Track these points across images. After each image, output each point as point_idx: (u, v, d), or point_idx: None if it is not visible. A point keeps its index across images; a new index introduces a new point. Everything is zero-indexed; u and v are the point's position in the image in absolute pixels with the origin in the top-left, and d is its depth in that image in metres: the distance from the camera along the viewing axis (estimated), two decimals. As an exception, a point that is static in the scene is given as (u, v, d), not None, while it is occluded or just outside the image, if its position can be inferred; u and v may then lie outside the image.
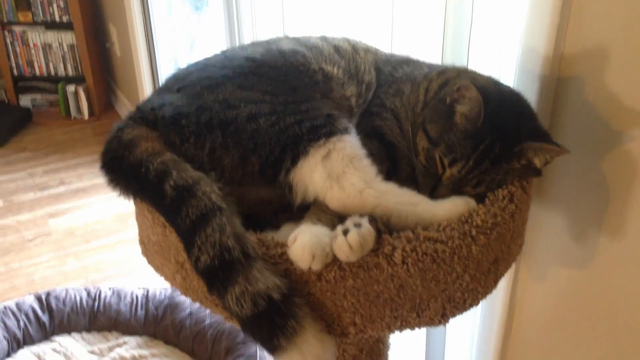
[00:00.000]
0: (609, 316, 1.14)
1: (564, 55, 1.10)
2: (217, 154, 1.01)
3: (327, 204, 0.98)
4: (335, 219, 0.96)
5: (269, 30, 2.29)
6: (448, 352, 1.79)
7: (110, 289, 2.29)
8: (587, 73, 1.08)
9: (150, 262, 1.12)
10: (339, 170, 0.97)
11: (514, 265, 1.29)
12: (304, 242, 0.87)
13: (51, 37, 4.09)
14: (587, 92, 1.08)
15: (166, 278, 1.08)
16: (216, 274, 0.89)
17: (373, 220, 0.91)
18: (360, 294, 0.91)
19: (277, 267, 0.90)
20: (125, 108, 4.04)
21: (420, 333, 1.78)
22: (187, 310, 2.19)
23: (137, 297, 2.26)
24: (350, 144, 1.00)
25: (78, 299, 2.24)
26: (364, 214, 0.92)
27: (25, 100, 4.25)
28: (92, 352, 2.12)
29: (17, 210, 3.20)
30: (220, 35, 2.52)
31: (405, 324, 0.95)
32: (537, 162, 1.00)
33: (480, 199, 0.99)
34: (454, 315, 0.97)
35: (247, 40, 2.35)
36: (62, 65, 4.17)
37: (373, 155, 1.03)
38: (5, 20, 4.02)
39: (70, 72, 4.18)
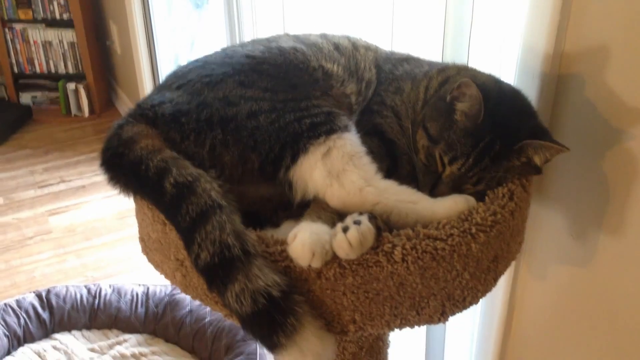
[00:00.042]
0: (608, 314, 1.14)
1: (564, 53, 1.10)
2: (217, 151, 1.01)
3: (327, 201, 0.98)
4: (335, 216, 0.96)
5: (270, 28, 2.28)
6: (448, 350, 1.79)
7: (110, 286, 2.29)
8: (587, 71, 1.08)
9: (150, 259, 1.12)
10: (339, 168, 0.97)
11: (513, 264, 1.29)
12: (303, 240, 0.87)
13: (52, 34, 4.09)
14: (588, 90, 1.08)
15: (166, 276, 1.08)
16: (216, 272, 0.89)
17: (373, 218, 0.91)
18: (360, 291, 0.91)
19: (276, 264, 0.90)
20: (125, 106, 4.04)
21: (420, 331, 1.78)
22: (187, 308, 2.19)
23: (137, 295, 2.26)
24: (350, 141, 1.00)
25: (78, 296, 2.25)
26: (364, 212, 0.92)
27: (26, 98, 4.25)
28: (93, 350, 2.12)
29: (18, 207, 3.20)
30: (220, 33, 2.52)
31: (404, 321, 0.95)
32: (537, 160, 1.00)
33: (480, 196, 0.99)
34: (453, 313, 0.97)
35: (247, 38, 2.35)
36: (62, 63, 4.17)
37: (373, 153, 1.03)
38: (5, 17, 4.02)
39: (71, 70, 4.18)
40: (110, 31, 4.04)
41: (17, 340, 2.13)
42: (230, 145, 1.00)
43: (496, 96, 1.02)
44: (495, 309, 1.40)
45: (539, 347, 1.36)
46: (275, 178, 1.00)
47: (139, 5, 3.26)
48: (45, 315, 2.19)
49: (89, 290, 2.27)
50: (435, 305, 0.95)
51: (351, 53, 1.19)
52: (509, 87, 1.10)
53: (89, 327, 2.23)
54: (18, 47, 4.12)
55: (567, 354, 1.27)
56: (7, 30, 4.07)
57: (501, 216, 0.95)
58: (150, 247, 1.09)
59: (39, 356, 2.08)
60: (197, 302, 2.14)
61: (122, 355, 2.09)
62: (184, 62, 1.19)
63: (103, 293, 2.26)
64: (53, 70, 4.20)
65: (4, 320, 2.12)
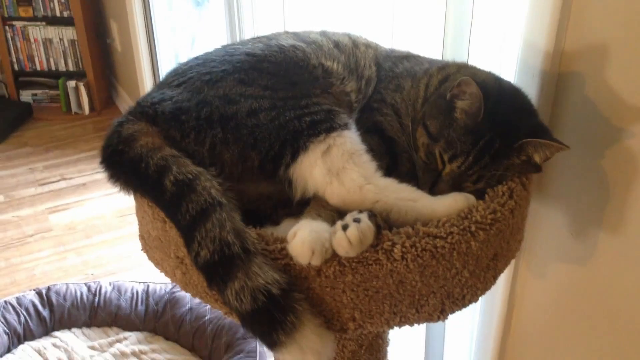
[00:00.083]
0: (608, 313, 1.14)
1: (564, 51, 1.10)
2: (217, 149, 1.01)
3: (327, 199, 0.98)
4: (335, 214, 0.97)
5: (270, 26, 2.28)
6: (447, 348, 1.79)
7: (110, 284, 2.29)
8: (587, 69, 1.08)
9: (150, 257, 1.12)
10: (338, 166, 0.97)
11: (513, 262, 1.29)
12: (303, 238, 0.87)
13: (52, 32, 4.09)
14: (588, 88, 1.08)
15: (166, 273, 1.08)
16: (216, 269, 0.89)
17: (372, 215, 0.91)
18: (359, 289, 0.91)
19: (276, 262, 0.90)
20: (126, 103, 4.04)
21: (420, 329, 1.79)
22: (187, 306, 2.19)
23: (137, 293, 2.26)
24: (350, 139, 1.00)
25: (78, 294, 2.25)
26: (364, 210, 0.92)
27: (26, 96, 4.25)
28: (93, 348, 2.12)
29: (18, 205, 3.20)
30: (220, 30, 2.52)
31: (404, 319, 0.95)
32: (537, 158, 1.00)
33: (479, 195, 0.99)
34: (452, 311, 0.98)
35: (247, 35, 2.35)
36: (62, 61, 4.17)
37: (373, 150, 1.03)
38: (6, 15, 4.02)
39: (71, 68, 4.18)
40: (110, 29, 4.04)
41: (17, 338, 2.13)
42: (230, 143, 1.00)
43: (496, 94, 1.02)
44: (494, 307, 1.40)
45: (538, 345, 1.36)
46: (275, 176, 1.00)
47: (139, 3, 3.26)
48: (45, 312, 2.19)
49: (89, 288, 2.27)
50: (435, 303, 0.95)
51: (351, 51, 1.19)
52: (509, 85, 1.10)
53: (89, 325, 2.23)
54: (18, 44, 4.12)
55: (567, 351, 1.27)
56: (7, 27, 4.07)
57: (501, 214, 0.95)
58: (150, 245, 1.09)
59: (39, 354, 2.08)
60: (197, 300, 2.14)
61: (122, 353, 2.09)
62: (184, 59, 1.19)
63: (103, 291, 2.26)
64: (53, 68, 4.20)
65: (4, 318, 2.13)
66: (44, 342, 2.13)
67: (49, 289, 2.25)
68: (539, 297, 1.31)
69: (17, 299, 2.20)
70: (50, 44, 4.12)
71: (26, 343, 2.13)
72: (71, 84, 4.12)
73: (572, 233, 1.18)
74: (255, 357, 1.95)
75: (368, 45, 1.25)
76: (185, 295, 2.22)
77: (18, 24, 4.07)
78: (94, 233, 2.96)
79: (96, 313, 2.23)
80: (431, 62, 1.21)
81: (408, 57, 1.24)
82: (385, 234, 0.91)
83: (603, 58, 1.03)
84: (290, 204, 1.02)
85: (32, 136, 3.96)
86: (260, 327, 0.88)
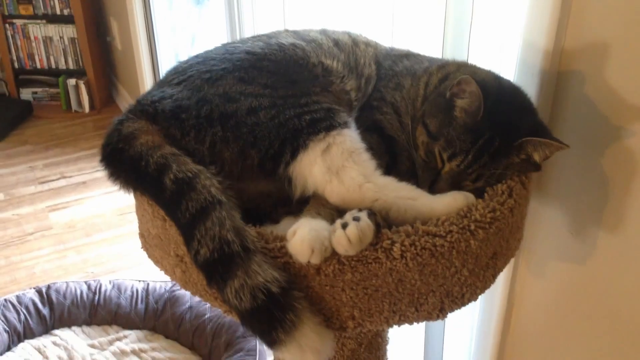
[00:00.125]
0: (607, 311, 1.14)
1: (564, 50, 1.10)
2: (217, 147, 1.01)
3: (327, 197, 0.98)
4: (335, 212, 0.97)
5: (270, 24, 2.28)
6: (447, 346, 1.79)
7: (110, 282, 2.30)
8: (587, 68, 1.08)
9: (149, 255, 1.12)
10: (338, 164, 0.97)
11: (513, 261, 1.29)
12: (303, 236, 0.87)
13: (52, 30, 4.09)
14: (588, 87, 1.08)
15: (166, 271, 1.08)
16: (215, 267, 0.89)
17: (372, 214, 0.91)
18: (359, 288, 0.91)
19: (276, 260, 0.90)
20: (126, 102, 4.04)
21: (419, 327, 1.79)
22: (187, 304, 2.19)
23: (137, 291, 2.26)
24: (349, 138, 1.00)
25: (78, 292, 2.25)
26: (363, 208, 0.92)
27: (26, 94, 4.25)
28: (92, 346, 2.13)
29: (18, 203, 3.20)
30: (221, 29, 2.52)
31: (403, 318, 0.95)
32: (537, 157, 1.00)
33: (479, 193, 0.99)
34: (452, 310, 0.98)
35: (248, 34, 2.35)
36: (63, 59, 4.17)
37: (372, 149, 1.03)
38: (6, 13, 4.02)
39: (71, 66, 4.18)
40: (110, 27, 4.04)
41: (17, 336, 2.14)
42: (230, 141, 1.00)
43: (496, 93, 1.02)
44: (494, 306, 1.41)
45: (537, 344, 1.36)
46: (274, 174, 1.00)
47: (139, 1, 3.26)
48: (45, 311, 2.20)
49: (89, 286, 2.27)
50: (434, 301, 0.95)
51: (351, 49, 1.19)
52: (508, 83, 1.10)
53: (89, 323, 2.23)
54: (19, 42, 4.12)
55: (566, 350, 1.27)
56: (7, 25, 4.07)
57: (500, 213, 0.95)
58: (150, 243, 1.09)
59: (39, 352, 2.08)
60: (197, 299, 2.14)
61: (122, 351, 2.09)
62: (184, 57, 1.19)
63: (103, 289, 2.26)
64: (53, 66, 4.20)
65: (4, 316, 2.13)
66: (44, 341, 2.13)
67: (49, 287, 2.25)
68: (538, 296, 1.32)
69: (17, 297, 2.20)
70: (51, 42, 4.12)
71: (26, 341, 2.13)
72: (71, 82, 4.12)
73: (571, 232, 1.18)
74: (255, 355, 1.95)
75: (368, 43, 1.25)
76: (185, 294, 2.22)
77: (18, 22, 4.07)
78: (94, 231, 2.96)
79: (96, 311, 2.23)
80: (431, 60, 1.21)
81: (408, 55, 1.24)
82: (385, 232, 0.91)
83: (603, 57, 1.03)
84: (289, 203, 1.03)
85: (32, 134, 3.96)
86: (259, 325, 0.88)
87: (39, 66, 4.20)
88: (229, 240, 0.89)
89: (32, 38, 4.11)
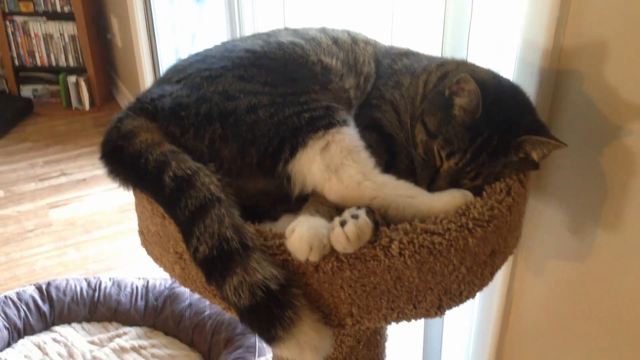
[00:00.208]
0: (606, 309, 1.15)
1: (563, 49, 1.10)
2: (217, 145, 1.01)
3: (325, 195, 0.98)
4: (333, 210, 0.97)
5: (270, 23, 2.28)
6: (446, 344, 1.79)
7: (110, 279, 2.30)
8: (586, 66, 1.08)
9: (149, 252, 1.13)
10: (337, 162, 0.97)
11: (511, 258, 1.29)
12: (301, 234, 0.87)
13: (52, 27, 4.09)
14: (586, 86, 1.08)
15: (165, 268, 1.08)
16: (214, 265, 0.89)
17: (371, 212, 0.91)
18: (357, 285, 0.91)
19: (275, 258, 0.90)
20: (126, 99, 4.04)
21: (418, 324, 1.79)
22: (187, 301, 2.20)
23: (137, 288, 2.27)
24: (348, 136, 1.00)
25: (78, 289, 2.25)
26: (362, 206, 0.92)
27: (27, 91, 4.25)
28: (92, 343, 2.13)
29: (18, 200, 3.20)
30: (221, 27, 2.52)
31: (401, 315, 0.95)
32: (535, 155, 1.00)
33: (477, 191, 1.00)
34: (450, 307, 0.98)
35: (248, 32, 2.35)
36: (63, 56, 4.17)
37: (371, 147, 1.03)
38: (6, 10, 4.02)
39: (72, 63, 4.19)
40: (111, 24, 4.04)
41: (17, 333, 2.14)
42: (229, 139, 1.00)
43: (495, 92, 1.02)
44: (492, 304, 1.41)
45: (536, 341, 1.36)
46: (273, 172, 1.01)
47: (139, -2, 3.26)
48: (45, 307, 2.20)
49: (89, 283, 2.28)
50: (432, 299, 0.95)
51: (350, 47, 1.19)
52: (507, 82, 1.10)
53: (88, 320, 2.24)
54: (19, 39, 4.12)
55: (564, 348, 1.27)
56: (8, 23, 4.07)
57: (498, 211, 0.95)
58: (150, 240, 1.10)
59: (39, 348, 2.09)
60: (196, 296, 2.15)
61: (122, 348, 2.10)
62: (184, 55, 1.19)
63: (103, 286, 2.27)
64: (54, 63, 4.20)
65: (4, 313, 2.13)
66: (43, 337, 2.14)
67: (49, 284, 2.26)
68: (536, 294, 1.32)
69: (17, 293, 2.21)
70: (51, 39, 4.12)
71: (26, 338, 2.14)
72: (71, 79, 4.12)
73: (570, 230, 1.19)
74: (255, 352, 1.96)
75: (367, 42, 1.25)
76: (184, 291, 2.23)
77: (19, 19, 4.07)
78: (93, 228, 2.96)
79: (96, 308, 2.23)
80: (430, 59, 1.21)
81: (407, 54, 1.24)
82: (383, 230, 0.91)
83: (602, 56, 1.04)
84: (288, 200, 1.03)
85: (33, 131, 3.96)
86: (258, 322, 0.89)
87: (39, 63, 4.20)
88: (228, 238, 0.89)
89: (33, 35, 4.11)
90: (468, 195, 0.98)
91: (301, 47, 1.13)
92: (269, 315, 0.87)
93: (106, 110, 4.20)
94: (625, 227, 1.06)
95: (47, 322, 2.20)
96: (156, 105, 1.04)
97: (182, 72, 1.09)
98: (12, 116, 4.02)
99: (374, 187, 0.97)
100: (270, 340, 0.88)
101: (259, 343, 1.99)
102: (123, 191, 1.07)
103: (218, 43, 1.22)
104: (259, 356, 1.95)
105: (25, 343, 2.11)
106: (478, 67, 1.13)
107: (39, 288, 2.24)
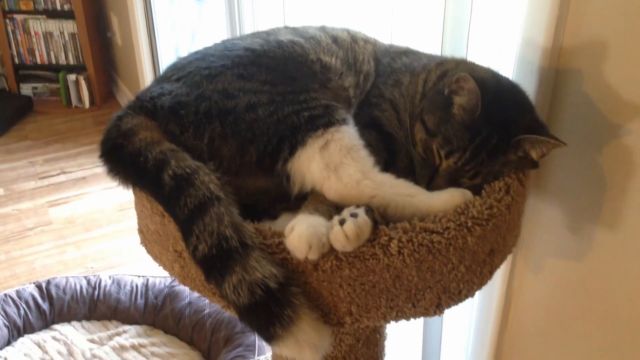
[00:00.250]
0: (605, 308, 1.15)
1: (563, 47, 1.10)
2: (216, 143, 1.01)
3: (325, 194, 0.98)
4: (332, 209, 0.97)
5: (270, 21, 2.28)
6: (445, 343, 1.79)
7: (110, 277, 2.30)
8: (586, 65, 1.08)
9: (148, 251, 1.13)
10: (336, 161, 0.98)
11: (510, 257, 1.29)
12: (300, 232, 0.87)
13: (52, 25, 4.09)
14: (586, 85, 1.08)
15: (164, 267, 1.08)
16: (214, 263, 0.90)
17: (370, 210, 0.91)
18: (356, 283, 0.91)
19: (274, 256, 0.90)
20: (126, 97, 4.04)
21: (418, 323, 1.79)
22: (187, 300, 2.20)
23: (136, 286, 2.27)
24: (348, 134, 1.00)
25: (78, 287, 2.25)
26: (361, 205, 0.92)
27: (26, 89, 4.25)
28: (92, 341, 2.13)
29: (18, 198, 3.21)
30: (221, 25, 2.52)
31: (400, 314, 0.96)
32: (534, 154, 1.01)
33: (476, 190, 1.00)
34: (449, 306, 0.98)
35: (247, 30, 2.35)
36: (63, 54, 4.17)
37: (371, 146, 1.03)
38: (6, 8, 4.02)
39: (72, 61, 4.18)
40: (111, 22, 4.04)
41: (17, 331, 2.14)
42: (228, 137, 1.00)
43: (494, 90, 1.02)
44: (492, 302, 1.41)
45: (535, 340, 1.36)
46: (273, 170, 1.01)
47: (139, -4, 3.26)
48: (45, 306, 2.20)
49: (88, 282, 2.28)
50: (431, 297, 0.95)
51: (349, 46, 1.19)
52: (507, 81, 1.10)
53: (88, 318, 2.24)
54: (19, 38, 4.12)
55: (563, 346, 1.28)
56: (8, 21, 4.07)
57: (497, 210, 0.95)
58: (149, 239, 1.10)
59: (39, 347, 2.09)
60: (196, 294, 2.14)
61: (122, 346, 2.10)
62: (184, 54, 1.19)
63: (103, 284, 2.27)
64: (54, 62, 4.20)
65: (4, 311, 2.14)
66: (43, 335, 2.14)
67: (48, 282, 2.26)
68: (536, 293, 1.32)
69: (17, 292, 2.21)
70: (51, 37, 4.12)
71: (26, 336, 2.14)
72: (71, 77, 4.12)
73: (569, 229, 1.19)
74: (254, 351, 1.96)
75: (367, 40, 1.25)
76: (184, 289, 2.23)
77: (19, 17, 4.06)
78: (93, 227, 2.96)
79: (96, 306, 2.23)
80: (430, 57, 1.21)
81: (407, 52, 1.24)
82: (382, 228, 0.91)
83: (601, 55, 1.04)
84: (288, 199, 1.03)
85: (32, 129, 3.96)
86: (257, 320, 0.89)
87: (39, 61, 4.20)
88: (227, 236, 0.89)
89: (33, 33, 4.11)
90: (467, 194, 0.98)
91: (301, 45, 1.13)
92: (268, 313, 0.87)
93: (106, 108, 4.19)
94: (624, 226, 1.06)
95: (47, 320, 2.20)
96: (155, 104, 1.04)
97: (181, 71, 1.09)
98: (12, 114, 4.02)
99: (373, 185, 0.97)
100: (270, 338, 0.88)
101: (258, 341, 1.99)
102: (123, 190, 1.07)
103: (218, 41, 1.22)
104: (258, 354, 1.95)
105: (25, 341, 2.11)
106: (477, 66, 1.13)
107: (38, 286, 2.24)
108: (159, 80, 1.13)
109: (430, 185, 1.03)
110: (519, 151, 1.00)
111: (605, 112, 1.06)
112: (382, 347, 1.26)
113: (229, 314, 1.62)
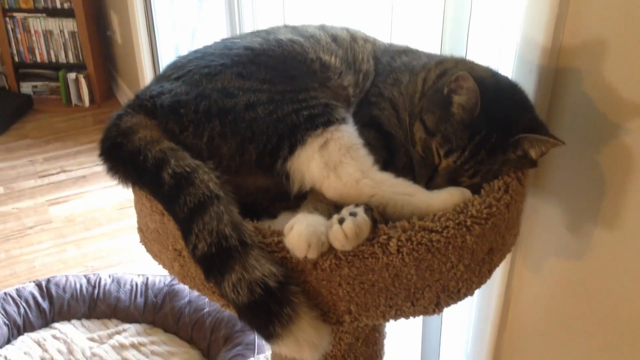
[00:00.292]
0: (604, 307, 1.15)
1: (562, 47, 1.10)
2: (215, 142, 1.01)
3: (324, 193, 0.99)
4: (332, 208, 0.97)
5: (270, 20, 2.28)
6: (444, 342, 1.80)
7: (110, 276, 2.30)
8: (585, 65, 1.08)
9: (148, 249, 1.13)
10: (336, 160, 0.98)
11: (509, 256, 1.30)
12: (300, 231, 0.87)
13: (52, 24, 4.09)
14: (585, 84, 1.08)
15: (164, 266, 1.09)
16: (213, 262, 0.90)
17: (369, 209, 0.91)
18: (355, 282, 0.92)
19: (273, 255, 0.91)
20: (126, 96, 4.04)
21: (417, 322, 1.79)
22: (186, 299, 2.20)
23: (136, 285, 2.27)
24: (347, 133, 1.01)
25: (78, 286, 2.26)
26: (360, 204, 0.92)
27: (26, 87, 4.25)
28: (92, 339, 2.14)
29: (18, 197, 3.21)
30: (221, 24, 2.52)
31: (399, 312, 0.96)
32: (533, 153, 1.01)
33: (476, 189, 1.00)
34: (448, 304, 0.98)
35: (247, 29, 2.35)
36: (63, 53, 4.17)
37: (370, 145, 1.03)
38: (6, 6, 4.02)
39: (72, 60, 4.18)
40: (111, 21, 4.04)
41: (17, 329, 2.15)
42: (228, 136, 1.01)
43: (493, 90, 1.02)
44: (491, 302, 1.41)
45: (534, 339, 1.36)
46: (272, 169, 1.01)
47: (139, -5, 3.26)
48: (45, 304, 2.21)
49: (88, 280, 2.28)
50: (430, 296, 0.95)
51: (349, 45, 1.19)
52: (506, 80, 1.10)
53: (88, 317, 2.24)
54: (19, 36, 4.12)
55: (563, 346, 1.28)
56: (7, 19, 4.06)
57: (496, 209, 0.95)
58: (149, 237, 1.10)
59: (39, 345, 2.09)
60: (196, 293, 2.14)
61: (121, 345, 2.10)
62: (184, 52, 1.20)
63: (102, 283, 2.27)
64: (54, 60, 4.20)
65: (4, 309, 2.14)
66: (43, 334, 2.14)
67: (48, 280, 2.26)
68: (535, 292, 1.32)
69: (17, 290, 2.21)
70: (51, 35, 4.12)
71: (26, 334, 2.14)
72: (71, 76, 4.12)
73: (568, 228, 1.19)
74: (254, 349, 1.96)
75: (366, 39, 1.25)
76: (184, 288, 2.23)
77: (18, 15, 4.06)
78: (93, 225, 2.97)
79: (95, 305, 2.24)
80: (429, 56, 1.21)
81: (406, 51, 1.24)
82: (381, 227, 0.91)
83: (601, 54, 1.04)
84: (287, 198, 1.03)
85: (32, 128, 3.96)
86: (256, 319, 0.89)
87: (39, 60, 4.20)
88: (226, 235, 0.89)
89: (33, 32, 4.10)
90: (466, 193, 0.98)
91: (300, 44, 1.13)
92: (267, 312, 0.87)
93: (106, 107, 4.19)
94: (623, 225, 1.06)
95: (46, 318, 2.20)
96: (155, 103, 1.04)
97: (181, 69, 1.09)
98: (12, 113, 4.02)
99: (372, 184, 0.97)
100: (269, 337, 0.88)
101: (257, 340, 1.99)
102: (122, 188, 1.07)
103: (217, 40, 1.22)
104: (258, 353, 1.95)
105: (25, 340, 2.11)
106: (477, 65, 1.13)
107: (38, 285, 2.24)
108: (159, 79, 1.13)
109: (430, 184, 1.03)
110: (518, 150, 1.01)
111: (604, 111, 1.06)
112: (382, 346, 1.26)
113: (229, 312, 1.62)
